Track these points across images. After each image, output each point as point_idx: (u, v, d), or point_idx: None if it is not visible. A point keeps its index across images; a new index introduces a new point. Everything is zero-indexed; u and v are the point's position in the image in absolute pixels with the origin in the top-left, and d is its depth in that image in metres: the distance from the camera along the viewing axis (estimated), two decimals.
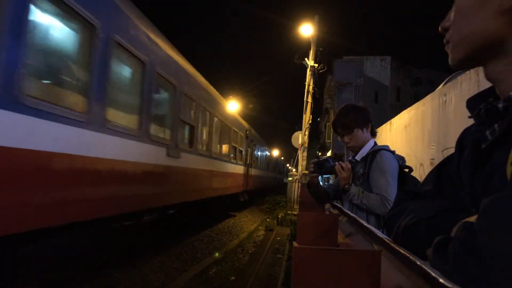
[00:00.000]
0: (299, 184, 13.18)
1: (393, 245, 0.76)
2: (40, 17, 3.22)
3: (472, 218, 0.54)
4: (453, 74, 5.99)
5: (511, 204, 0.47)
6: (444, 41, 0.71)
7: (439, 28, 0.72)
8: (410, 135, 6.77)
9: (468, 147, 0.71)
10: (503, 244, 0.45)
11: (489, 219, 0.48)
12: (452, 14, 0.69)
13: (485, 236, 0.48)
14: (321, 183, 2.73)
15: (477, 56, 0.66)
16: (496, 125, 0.62)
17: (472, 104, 0.71)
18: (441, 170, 0.84)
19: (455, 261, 0.52)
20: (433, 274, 0.52)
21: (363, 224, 1.22)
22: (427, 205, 0.76)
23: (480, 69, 0.68)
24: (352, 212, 2.02)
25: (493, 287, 0.45)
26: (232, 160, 12.30)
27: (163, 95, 6.28)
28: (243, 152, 14.51)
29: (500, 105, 0.61)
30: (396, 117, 8.02)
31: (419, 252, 0.64)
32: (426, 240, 0.62)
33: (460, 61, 0.69)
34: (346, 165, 2.32)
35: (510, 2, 0.58)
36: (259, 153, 19.92)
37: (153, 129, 5.52)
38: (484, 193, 0.54)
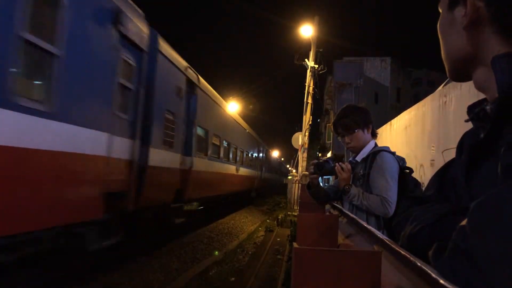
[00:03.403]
0: (299, 185, 13.18)
1: (393, 246, 0.76)
2: None
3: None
4: None
5: (498, 203, 0.48)
6: None
7: None
8: (410, 136, 6.77)
9: (466, 150, 0.72)
10: (491, 244, 0.46)
11: (477, 219, 0.50)
12: None
13: (474, 237, 0.49)
14: (321, 184, 2.73)
15: (461, 69, 0.72)
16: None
17: (471, 109, 0.75)
18: (443, 174, 0.85)
19: (450, 263, 0.53)
20: (434, 275, 0.52)
21: (363, 225, 1.22)
22: (429, 210, 0.76)
23: None
24: (352, 213, 2.02)
25: (488, 287, 0.46)
26: None
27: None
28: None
29: (487, 107, 0.66)
30: (396, 118, 8.02)
31: (426, 259, 0.64)
32: (430, 247, 0.63)
33: (452, 76, 0.76)
34: (346, 166, 2.32)
35: (466, 21, 0.65)
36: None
37: None
38: (479, 195, 0.55)
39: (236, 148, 14.07)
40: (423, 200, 0.86)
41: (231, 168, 13.25)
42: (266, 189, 26.46)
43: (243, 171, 15.70)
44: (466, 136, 0.78)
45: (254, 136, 20.17)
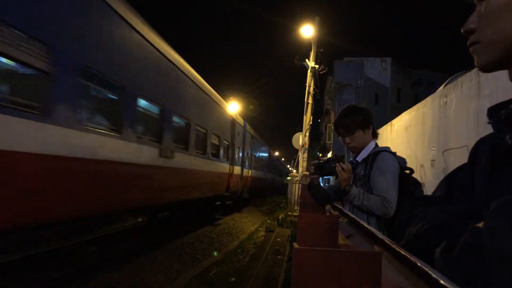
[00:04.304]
0: (300, 185, 13.18)
1: (393, 246, 0.76)
2: None
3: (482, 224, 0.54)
4: (454, 75, 5.99)
5: None
6: (468, 43, 0.71)
7: (462, 30, 0.72)
8: (411, 137, 6.76)
9: (485, 153, 0.69)
10: (506, 244, 0.45)
11: (495, 220, 0.49)
12: (476, 17, 0.69)
13: (490, 236, 0.48)
14: (321, 184, 2.73)
15: (508, 58, 0.66)
16: None
17: (493, 111, 0.70)
18: (452, 178, 0.84)
19: (458, 259, 0.52)
20: (434, 276, 0.52)
21: (363, 226, 1.22)
22: (437, 212, 0.76)
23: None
24: (352, 213, 2.02)
25: (491, 285, 0.46)
26: None
27: None
28: None
29: None
30: (396, 119, 8.02)
31: (430, 259, 0.64)
32: (436, 248, 0.62)
33: (490, 63, 0.69)
34: (347, 166, 2.32)
35: None
36: None
37: None
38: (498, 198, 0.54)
39: (170, 116, 7.15)
40: (429, 201, 0.85)
41: (143, 152, 5.87)
42: (255, 192, 20.05)
43: (192, 162, 8.64)
44: (480, 142, 0.75)
45: (229, 112, 13.06)
